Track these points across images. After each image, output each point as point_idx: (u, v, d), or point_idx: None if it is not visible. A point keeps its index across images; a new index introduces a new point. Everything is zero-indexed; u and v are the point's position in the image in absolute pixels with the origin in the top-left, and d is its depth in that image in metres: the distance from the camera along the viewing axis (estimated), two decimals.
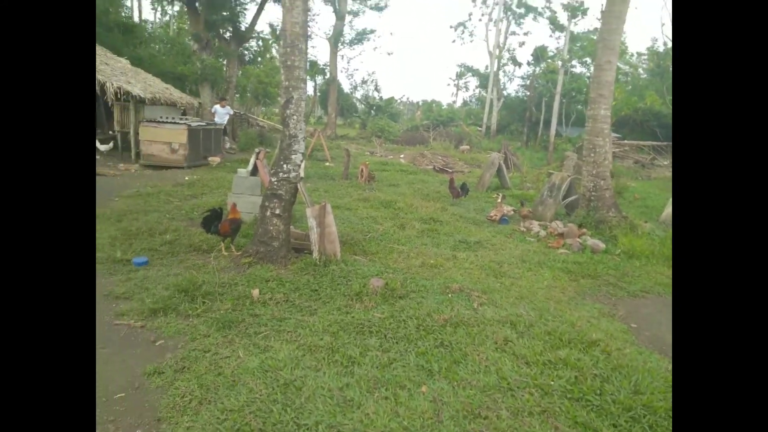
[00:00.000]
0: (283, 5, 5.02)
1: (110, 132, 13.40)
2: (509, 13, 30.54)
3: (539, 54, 29.60)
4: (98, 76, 11.25)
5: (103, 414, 2.58)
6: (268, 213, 5.07)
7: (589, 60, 27.50)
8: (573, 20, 25.16)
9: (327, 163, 14.24)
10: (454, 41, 47.63)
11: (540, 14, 29.18)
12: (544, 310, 4.18)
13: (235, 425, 2.44)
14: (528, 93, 29.70)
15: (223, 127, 14.22)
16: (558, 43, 29.43)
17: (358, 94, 37.79)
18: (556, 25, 28.21)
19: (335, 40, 26.99)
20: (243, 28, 19.31)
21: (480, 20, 40.31)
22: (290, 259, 5.06)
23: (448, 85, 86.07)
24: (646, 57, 32.07)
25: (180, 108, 14.66)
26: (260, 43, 26.33)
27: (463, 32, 33.46)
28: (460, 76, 40.63)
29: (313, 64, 30.24)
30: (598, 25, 24.37)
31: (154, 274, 4.58)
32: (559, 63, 24.50)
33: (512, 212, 8.54)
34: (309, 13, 5.35)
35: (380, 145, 21.50)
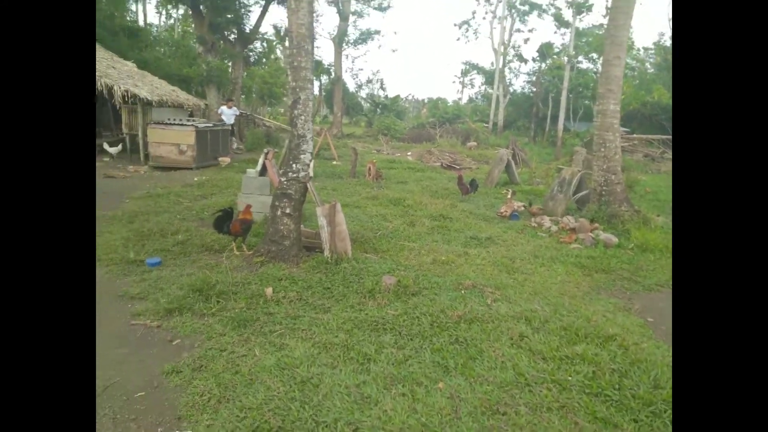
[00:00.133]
0: (289, 7, 5.02)
1: (119, 135, 13.52)
2: (513, 10, 30.37)
3: (545, 50, 29.39)
4: (105, 80, 11.33)
5: (124, 412, 2.60)
6: (279, 212, 5.08)
7: (595, 55, 27.26)
8: (578, 16, 24.92)
9: (334, 162, 14.27)
10: (458, 39, 47.15)
11: (544, 11, 28.98)
12: (559, 306, 4.14)
13: (254, 423, 2.44)
14: (534, 89, 29.52)
15: (230, 128, 14.29)
16: (563, 39, 29.20)
17: (364, 93, 37.80)
18: (560, 21, 27.96)
19: (339, 40, 27.01)
20: (247, 30, 19.41)
21: (484, 18, 39.98)
22: (302, 258, 5.07)
23: (454, 82, 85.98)
24: (653, 51, 31.70)
25: (187, 110, 14.77)
26: (264, 44, 26.40)
27: (467, 30, 33.35)
28: (465, 73, 40.42)
29: (318, 63, 30.23)
30: (603, 20, 24.23)
31: (168, 274, 4.61)
32: (565, 59, 24.29)
33: (522, 208, 8.48)
34: (314, 14, 5.34)
35: (387, 143, 21.47)
